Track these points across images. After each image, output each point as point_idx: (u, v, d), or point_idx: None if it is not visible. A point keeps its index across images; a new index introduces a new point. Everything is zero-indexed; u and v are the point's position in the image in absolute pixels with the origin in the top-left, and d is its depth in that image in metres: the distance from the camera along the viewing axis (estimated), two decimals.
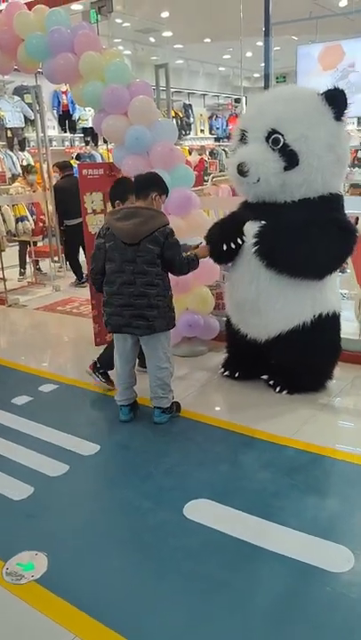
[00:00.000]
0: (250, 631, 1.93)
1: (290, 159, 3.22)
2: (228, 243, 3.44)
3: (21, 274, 7.70)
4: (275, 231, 3.32)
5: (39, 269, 7.82)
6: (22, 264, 7.72)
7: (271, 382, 3.76)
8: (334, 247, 3.33)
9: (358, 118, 9.95)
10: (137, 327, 3.18)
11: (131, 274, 3.12)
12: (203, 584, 2.15)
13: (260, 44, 5.76)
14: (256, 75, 13.59)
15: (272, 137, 3.25)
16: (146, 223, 3.09)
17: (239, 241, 3.45)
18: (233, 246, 3.46)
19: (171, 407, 3.43)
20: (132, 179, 3.43)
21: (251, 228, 3.45)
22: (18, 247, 7.65)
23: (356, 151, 9.26)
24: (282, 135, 3.22)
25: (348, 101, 3.24)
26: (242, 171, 3.28)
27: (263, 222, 3.38)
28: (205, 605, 2.04)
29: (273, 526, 2.44)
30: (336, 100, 3.22)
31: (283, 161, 3.23)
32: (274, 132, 3.24)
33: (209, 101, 14.90)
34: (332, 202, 3.37)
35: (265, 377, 3.83)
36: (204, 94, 14.61)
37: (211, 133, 14.50)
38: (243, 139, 3.45)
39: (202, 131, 14.05)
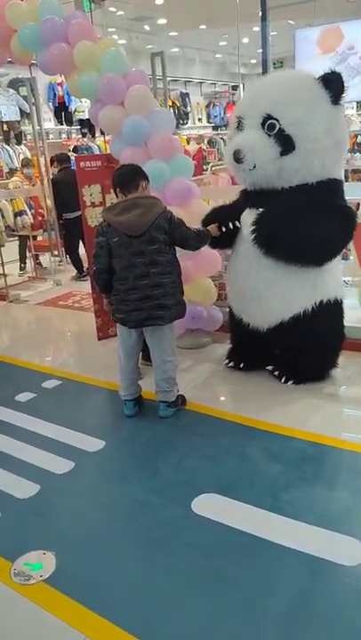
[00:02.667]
0: (263, 627, 1.90)
1: (286, 144, 3.18)
2: (220, 226, 3.48)
3: (22, 269, 7.66)
4: (273, 218, 3.30)
5: (39, 264, 7.78)
6: (22, 259, 7.68)
7: (276, 373, 3.73)
8: (333, 233, 3.28)
9: (358, 102, 9.85)
10: (159, 317, 3.15)
11: (143, 266, 3.08)
12: (214, 580, 2.12)
13: (257, 29, 5.67)
14: (253, 61, 13.46)
15: (267, 123, 3.21)
16: (148, 212, 3.05)
17: (231, 225, 3.48)
18: (223, 229, 3.50)
19: (176, 401, 3.39)
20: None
21: (249, 216, 3.42)
22: (17, 242, 7.60)
23: (356, 136, 9.16)
24: (277, 120, 3.18)
25: (346, 85, 3.19)
26: (238, 158, 3.25)
27: (261, 210, 3.34)
28: (218, 602, 2.02)
29: (283, 520, 2.41)
30: (333, 83, 3.17)
31: (279, 146, 3.19)
32: (269, 117, 3.20)
33: (206, 89, 14.78)
34: (331, 187, 3.32)
35: (270, 367, 3.79)
36: (201, 82, 14.48)
37: (208, 122, 14.38)
38: (239, 126, 3.41)
39: (199, 119, 13.95)
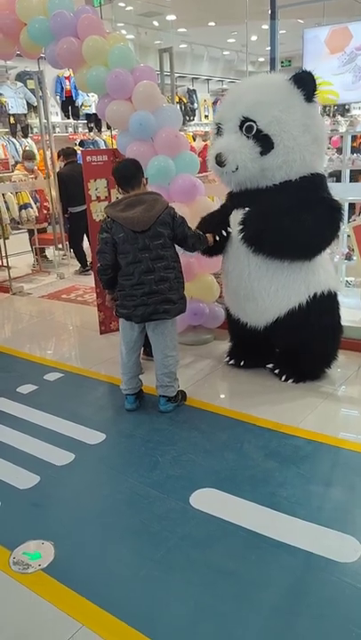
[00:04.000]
0: (256, 621, 1.93)
1: (265, 143, 3.24)
2: (214, 236, 3.56)
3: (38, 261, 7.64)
4: (259, 216, 3.35)
5: (45, 256, 7.80)
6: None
7: (276, 371, 3.75)
8: (320, 226, 3.32)
9: None
10: (165, 312, 3.18)
11: (148, 261, 3.11)
12: (209, 573, 2.15)
13: (266, 27, 5.65)
14: (261, 59, 13.41)
15: (245, 125, 3.27)
16: (152, 207, 3.09)
17: (224, 233, 3.56)
18: (218, 239, 3.57)
19: (176, 396, 3.42)
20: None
21: (236, 217, 3.49)
22: (27, 235, 7.63)
23: None
24: (254, 122, 3.24)
25: (317, 82, 3.28)
26: (220, 161, 3.32)
27: (247, 209, 3.39)
28: (212, 595, 2.05)
29: (279, 515, 2.44)
30: (304, 81, 3.25)
31: (258, 146, 3.25)
32: (246, 119, 3.27)
33: (213, 86, 14.73)
34: (315, 181, 3.37)
35: (270, 366, 3.82)
36: (208, 79, 14.44)
37: (216, 118, 14.34)
38: (219, 132, 3.48)
39: (206, 116, 13.90)
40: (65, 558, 2.27)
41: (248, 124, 3.26)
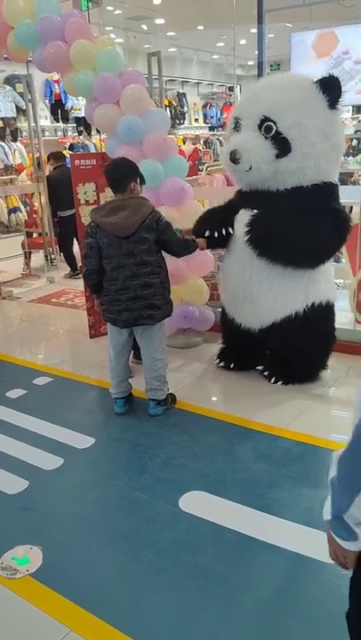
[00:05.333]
0: (246, 623, 1.93)
1: (282, 147, 3.20)
2: (213, 231, 3.53)
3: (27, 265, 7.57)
4: (267, 219, 3.32)
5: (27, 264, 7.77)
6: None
7: (266, 373, 3.76)
8: (327, 236, 3.30)
9: (353, 106, 9.90)
10: (149, 317, 3.17)
11: (133, 266, 3.09)
12: (198, 576, 2.15)
13: (254, 31, 5.69)
14: (250, 62, 13.49)
15: (264, 124, 3.23)
16: (136, 213, 3.05)
17: (223, 232, 3.53)
18: (216, 235, 3.54)
19: (166, 399, 3.41)
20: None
21: (243, 217, 3.45)
22: (14, 239, 7.58)
23: (351, 139, 9.21)
24: (274, 123, 3.20)
25: (343, 89, 3.21)
26: (234, 158, 3.27)
27: (256, 211, 3.37)
28: (201, 597, 2.05)
29: (268, 518, 2.44)
30: (331, 87, 3.18)
31: (275, 148, 3.21)
32: (266, 119, 3.22)
33: (203, 90, 14.79)
34: (327, 191, 3.35)
35: (260, 368, 3.82)
36: (198, 83, 14.50)
37: (205, 122, 14.40)
38: (236, 126, 3.43)
39: (196, 120, 13.96)
40: (53, 563, 2.25)
41: (268, 123, 3.21)
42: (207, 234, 3.55)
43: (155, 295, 3.14)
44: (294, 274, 3.39)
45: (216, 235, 3.54)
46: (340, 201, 3.50)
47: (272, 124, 3.20)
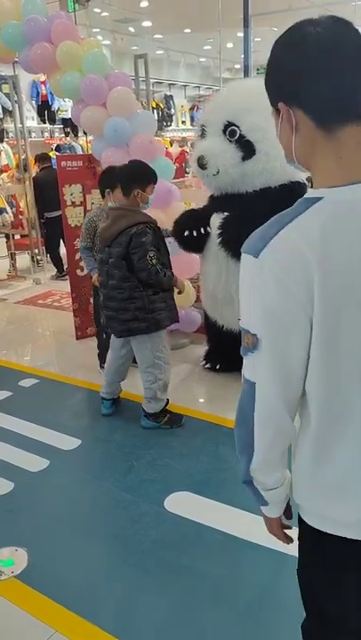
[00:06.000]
0: (231, 622, 1.95)
1: (246, 149, 3.28)
2: (191, 230, 3.58)
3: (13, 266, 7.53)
4: (237, 222, 3.38)
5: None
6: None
7: None
8: None
9: None
10: (112, 328, 3.15)
11: (105, 275, 3.09)
12: (184, 576, 2.16)
13: (241, 34, 5.73)
14: (237, 66, 13.53)
15: (228, 129, 3.32)
16: (114, 224, 3.00)
17: (202, 230, 3.56)
18: (195, 234, 3.58)
19: (157, 415, 3.29)
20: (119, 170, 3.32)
21: (216, 220, 3.52)
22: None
23: None
24: (237, 127, 3.29)
25: None
26: (201, 164, 3.36)
27: (226, 214, 3.43)
28: (187, 597, 2.06)
29: (254, 517, 2.45)
30: None
31: (240, 151, 3.30)
32: (230, 124, 3.31)
33: (190, 92, 14.83)
34: (295, 190, 3.41)
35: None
36: (185, 85, 14.53)
37: (192, 125, 14.42)
38: (203, 134, 3.52)
39: (183, 122, 13.98)
40: (38, 565, 2.25)
41: (231, 128, 3.29)
42: (186, 233, 3.61)
43: (119, 310, 3.03)
44: None
45: (195, 233, 3.58)
46: None
47: (236, 128, 3.29)
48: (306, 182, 3.57)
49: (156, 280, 2.99)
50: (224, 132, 3.33)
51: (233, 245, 3.39)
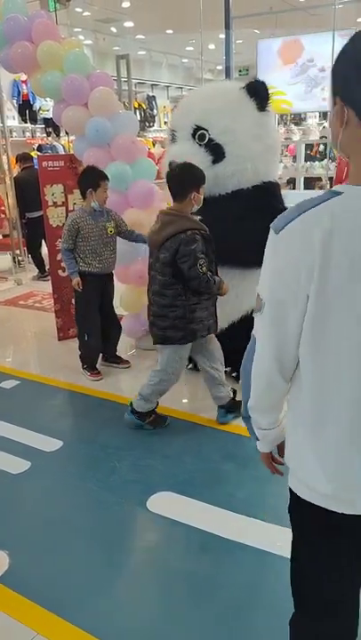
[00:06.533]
0: (215, 621, 1.95)
1: (216, 152, 3.30)
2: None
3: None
4: (211, 224, 3.39)
5: None
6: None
7: (234, 374, 3.80)
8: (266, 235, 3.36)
9: (319, 113, 10.10)
10: (151, 332, 3.13)
11: (150, 279, 3.07)
12: (167, 576, 2.16)
13: (223, 36, 5.76)
14: (219, 67, 13.59)
15: (198, 133, 3.33)
16: (163, 230, 2.95)
17: None
18: None
19: (142, 414, 3.25)
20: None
21: None
22: None
23: (318, 145, 9.41)
24: (206, 130, 3.30)
25: (269, 92, 3.34)
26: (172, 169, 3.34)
27: (199, 217, 3.45)
28: (170, 597, 2.06)
29: (236, 516, 2.47)
30: (257, 91, 3.31)
31: (210, 155, 3.31)
32: (199, 128, 3.33)
33: (173, 93, 14.83)
34: (267, 190, 3.44)
35: (228, 369, 3.86)
36: (168, 86, 14.54)
37: (170, 125, 14.43)
38: (173, 138, 3.54)
39: (166, 123, 13.96)
40: (20, 567, 2.23)
41: (200, 132, 3.31)
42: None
43: (159, 315, 3.03)
44: (246, 273, 3.44)
45: None
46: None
47: (205, 131, 3.31)
48: (277, 182, 3.60)
49: (207, 288, 2.96)
50: (193, 135, 3.34)
51: None
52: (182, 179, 2.97)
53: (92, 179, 3.70)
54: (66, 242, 3.76)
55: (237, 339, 3.57)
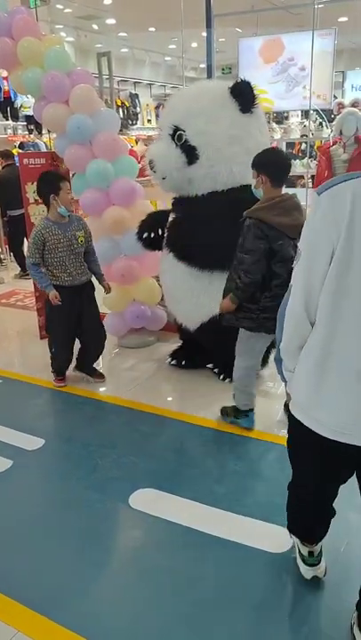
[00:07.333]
0: (197, 617, 1.97)
1: (190, 154, 3.31)
2: (150, 232, 3.69)
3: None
4: (184, 224, 3.42)
5: None
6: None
7: (216, 370, 3.83)
8: (233, 239, 3.29)
9: (302, 111, 10.17)
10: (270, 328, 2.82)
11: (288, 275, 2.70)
12: (148, 572, 2.17)
13: (205, 34, 5.77)
14: (202, 65, 13.59)
15: (176, 134, 3.34)
16: (300, 215, 2.73)
17: (159, 232, 3.66)
18: (152, 235, 3.69)
19: (225, 410, 3.23)
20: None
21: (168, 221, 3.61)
22: None
23: (300, 143, 9.46)
24: (184, 131, 3.31)
25: (255, 93, 3.27)
26: (151, 167, 3.40)
27: (178, 215, 3.49)
28: (152, 593, 2.07)
29: (217, 512, 2.49)
30: (241, 92, 3.26)
31: (185, 156, 3.32)
32: (177, 129, 3.33)
33: (155, 91, 14.84)
34: (242, 193, 3.37)
35: (210, 365, 3.89)
36: (151, 84, 14.53)
37: (158, 123, 14.43)
38: (160, 137, 3.56)
39: (149, 121, 13.96)
40: (1, 566, 2.23)
41: (179, 132, 3.32)
42: (145, 235, 3.69)
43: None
44: (215, 275, 3.39)
45: (152, 235, 3.68)
46: None
47: (182, 132, 3.32)
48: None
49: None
50: (172, 136, 3.35)
51: (176, 248, 3.44)
52: (280, 167, 2.73)
53: (50, 183, 3.48)
54: (32, 256, 3.48)
55: (209, 339, 3.61)
